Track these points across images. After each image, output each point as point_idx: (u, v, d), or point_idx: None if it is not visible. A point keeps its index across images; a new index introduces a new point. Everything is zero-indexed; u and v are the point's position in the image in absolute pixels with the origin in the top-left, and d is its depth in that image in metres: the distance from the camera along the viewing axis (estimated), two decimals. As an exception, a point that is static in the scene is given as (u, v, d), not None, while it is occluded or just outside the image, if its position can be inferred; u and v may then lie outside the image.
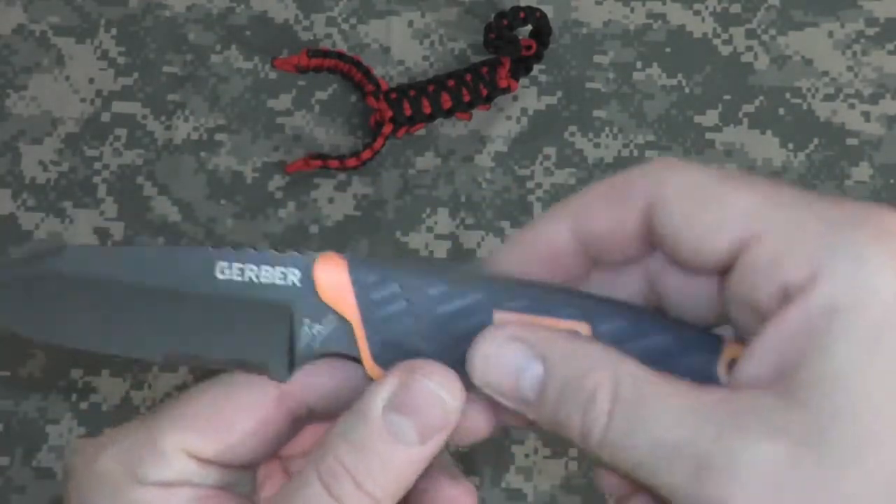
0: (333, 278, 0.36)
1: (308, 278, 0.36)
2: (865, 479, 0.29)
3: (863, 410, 0.29)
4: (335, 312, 0.36)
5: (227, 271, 0.36)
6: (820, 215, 0.31)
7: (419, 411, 0.35)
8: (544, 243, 0.36)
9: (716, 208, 0.33)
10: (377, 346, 0.36)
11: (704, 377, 0.34)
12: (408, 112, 0.78)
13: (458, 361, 0.35)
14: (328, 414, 0.38)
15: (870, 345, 0.29)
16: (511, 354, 0.34)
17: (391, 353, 0.36)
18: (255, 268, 0.36)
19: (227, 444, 0.37)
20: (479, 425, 0.37)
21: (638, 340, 0.35)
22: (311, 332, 0.36)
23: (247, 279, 0.36)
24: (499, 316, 0.35)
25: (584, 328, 0.35)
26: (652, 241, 0.35)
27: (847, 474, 0.29)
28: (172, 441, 0.37)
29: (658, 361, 0.34)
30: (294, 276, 0.36)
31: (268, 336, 0.36)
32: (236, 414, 0.37)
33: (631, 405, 0.32)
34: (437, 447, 0.36)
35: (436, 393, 0.35)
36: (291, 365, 0.37)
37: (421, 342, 0.36)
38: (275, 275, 0.36)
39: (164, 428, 0.37)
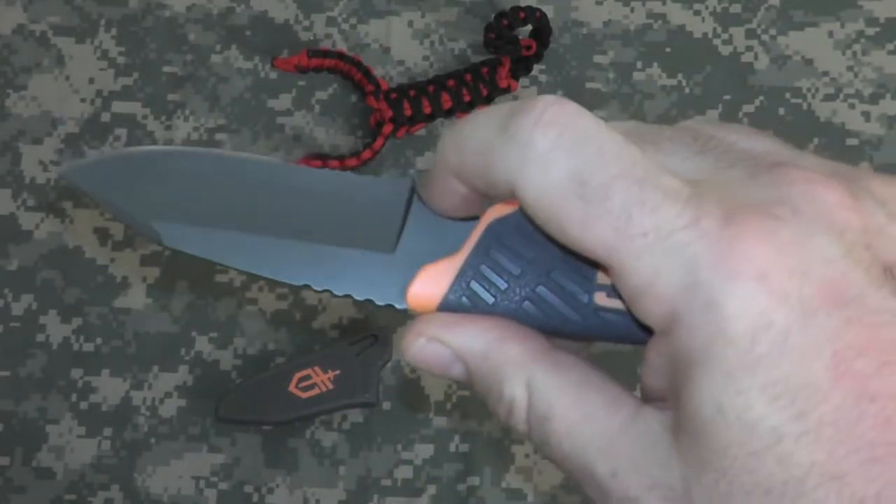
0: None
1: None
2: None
3: (723, 466, 0.31)
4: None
5: None
6: (681, 249, 0.31)
7: None
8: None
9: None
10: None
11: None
12: (408, 112, 0.78)
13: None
14: None
15: (725, 397, 0.31)
16: (435, 354, 0.36)
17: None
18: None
19: None
20: None
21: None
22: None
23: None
24: None
25: None
26: None
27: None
28: None
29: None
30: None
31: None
32: None
33: (543, 422, 0.34)
34: None
35: None
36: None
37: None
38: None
39: None
